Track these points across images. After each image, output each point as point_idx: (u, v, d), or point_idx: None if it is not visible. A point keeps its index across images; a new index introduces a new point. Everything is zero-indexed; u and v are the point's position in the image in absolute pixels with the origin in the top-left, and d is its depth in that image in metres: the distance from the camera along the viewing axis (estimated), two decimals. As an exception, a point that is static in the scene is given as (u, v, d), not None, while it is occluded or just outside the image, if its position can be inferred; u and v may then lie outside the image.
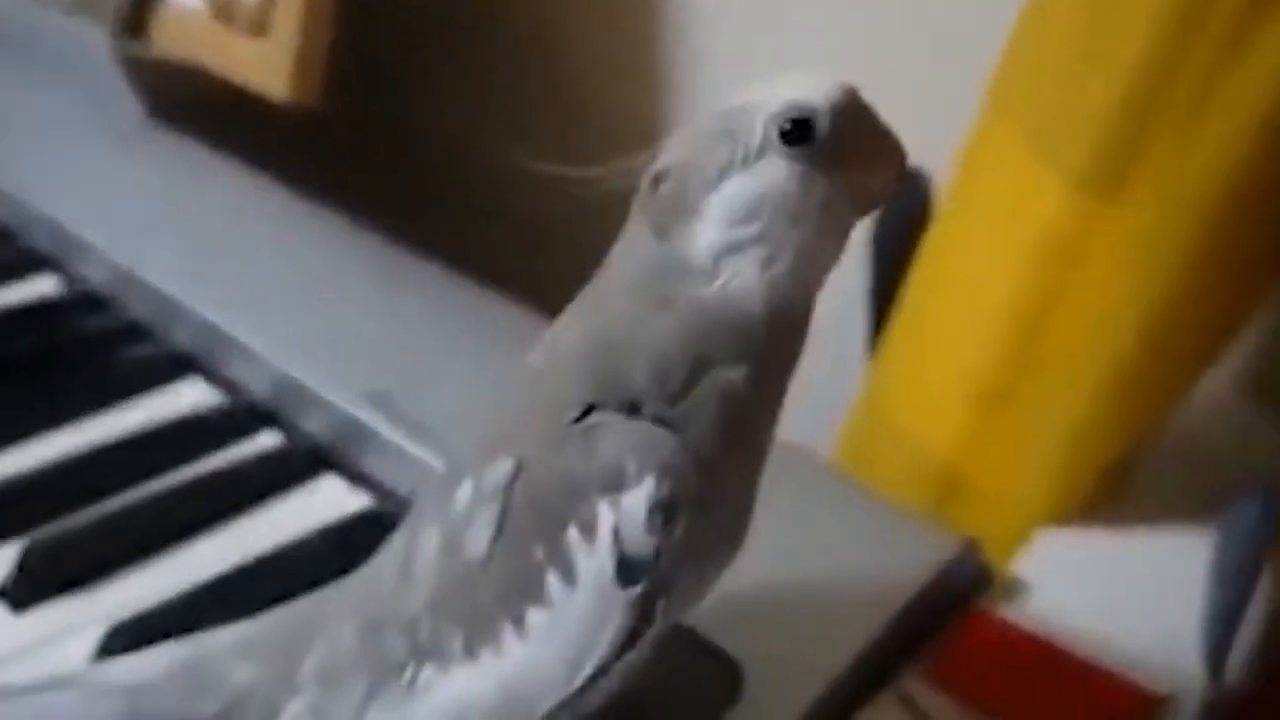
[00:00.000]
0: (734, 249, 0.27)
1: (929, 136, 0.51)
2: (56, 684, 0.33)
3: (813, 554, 0.40)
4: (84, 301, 0.55)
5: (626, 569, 0.27)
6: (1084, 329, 0.45)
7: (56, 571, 0.40)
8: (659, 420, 0.27)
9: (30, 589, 0.39)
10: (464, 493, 0.29)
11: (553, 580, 0.27)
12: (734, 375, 0.27)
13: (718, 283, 0.27)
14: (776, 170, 0.27)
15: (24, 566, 0.39)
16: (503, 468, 0.28)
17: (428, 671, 0.29)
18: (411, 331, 0.50)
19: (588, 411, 0.27)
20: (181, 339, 0.51)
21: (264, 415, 0.48)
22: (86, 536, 0.41)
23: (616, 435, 0.27)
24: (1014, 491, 0.48)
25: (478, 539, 0.28)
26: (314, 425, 0.47)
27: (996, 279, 0.46)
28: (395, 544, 0.31)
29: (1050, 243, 0.44)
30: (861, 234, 0.56)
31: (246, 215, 0.58)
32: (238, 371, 0.49)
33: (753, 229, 0.27)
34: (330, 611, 0.32)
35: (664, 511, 0.27)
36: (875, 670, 0.38)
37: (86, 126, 0.64)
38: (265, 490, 0.44)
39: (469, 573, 0.28)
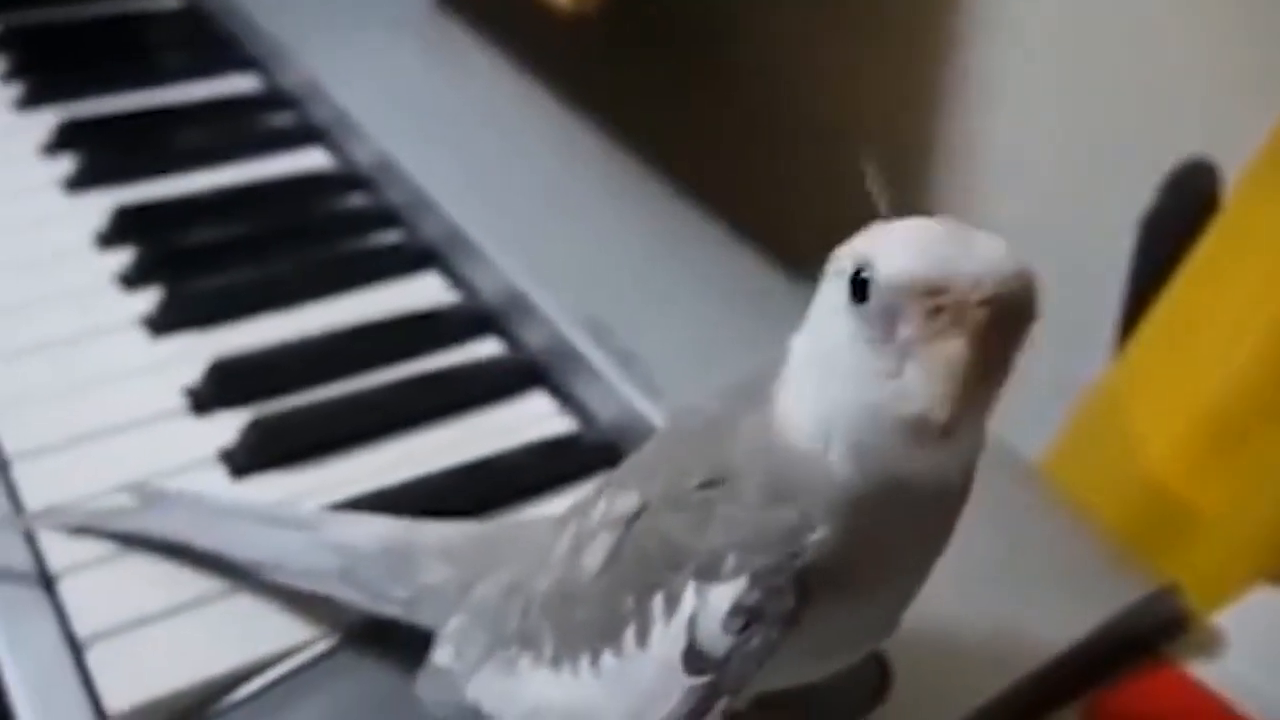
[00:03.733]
0: None
1: (1223, 126, 0.48)
2: (294, 522, 0.37)
3: (996, 568, 0.38)
4: (347, 180, 0.57)
5: (694, 658, 0.26)
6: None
7: (277, 446, 0.42)
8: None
9: (251, 459, 0.42)
10: (600, 508, 0.29)
11: (630, 635, 0.27)
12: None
13: None
14: None
15: (249, 437, 0.42)
16: (630, 501, 0.28)
17: (525, 658, 0.29)
18: (651, 267, 0.50)
19: (713, 481, 0.26)
20: (428, 232, 0.53)
21: (489, 323, 0.49)
22: (309, 417, 0.44)
23: (730, 521, 0.26)
24: (1238, 536, 0.45)
25: (591, 560, 0.28)
26: (534, 341, 0.48)
27: (1261, 316, 0.43)
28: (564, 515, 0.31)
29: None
30: (1132, 214, 0.53)
31: (513, 121, 0.59)
32: (473, 275, 0.51)
33: None
34: (512, 549, 0.33)
35: (746, 617, 0.25)
36: (1035, 700, 0.36)
37: (378, 9, 0.66)
38: (478, 398, 0.46)
39: (575, 588, 0.28)
